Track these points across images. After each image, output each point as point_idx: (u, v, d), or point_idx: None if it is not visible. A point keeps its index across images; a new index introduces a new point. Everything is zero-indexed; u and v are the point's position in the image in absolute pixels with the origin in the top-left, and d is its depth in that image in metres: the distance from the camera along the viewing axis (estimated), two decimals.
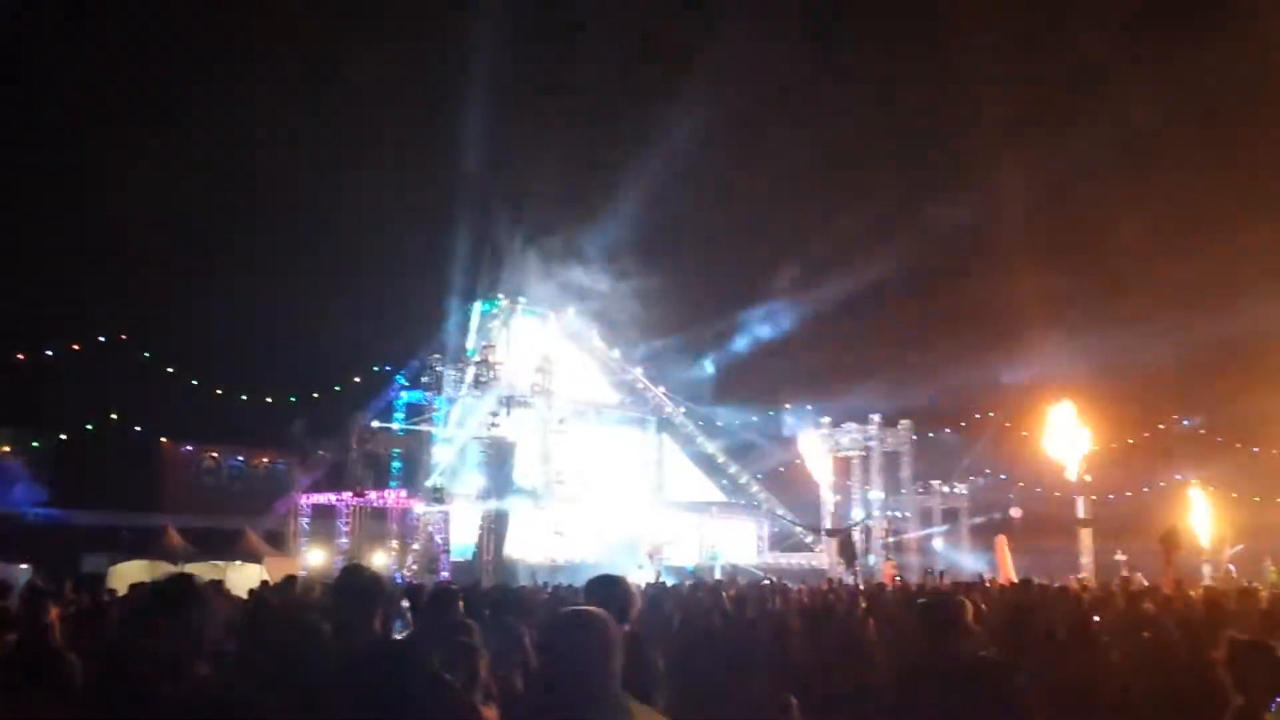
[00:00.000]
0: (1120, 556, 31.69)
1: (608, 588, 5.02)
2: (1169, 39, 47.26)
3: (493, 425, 32.80)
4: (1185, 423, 46.06)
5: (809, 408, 43.51)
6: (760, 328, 43.72)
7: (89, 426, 36.76)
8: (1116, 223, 48.30)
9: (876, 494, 40.35)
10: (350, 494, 34.43)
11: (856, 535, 37.34)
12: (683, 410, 42.59)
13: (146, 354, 39.04)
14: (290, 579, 14.40)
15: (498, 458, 31.92)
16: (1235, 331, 38.98)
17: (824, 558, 38.66)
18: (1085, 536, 37.89)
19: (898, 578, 32.11)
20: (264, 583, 18.61)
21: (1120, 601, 12.43)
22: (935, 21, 53.25)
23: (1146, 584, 19.00)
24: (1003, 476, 43.60)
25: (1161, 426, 45.94)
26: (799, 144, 52.02)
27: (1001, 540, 35.04)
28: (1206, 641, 7.24)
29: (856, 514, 39.72)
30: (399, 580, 24.82)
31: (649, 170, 39.11)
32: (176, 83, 42.40)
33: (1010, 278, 46.11)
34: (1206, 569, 32.38)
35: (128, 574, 23.13)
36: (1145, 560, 29.38)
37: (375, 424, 36.90)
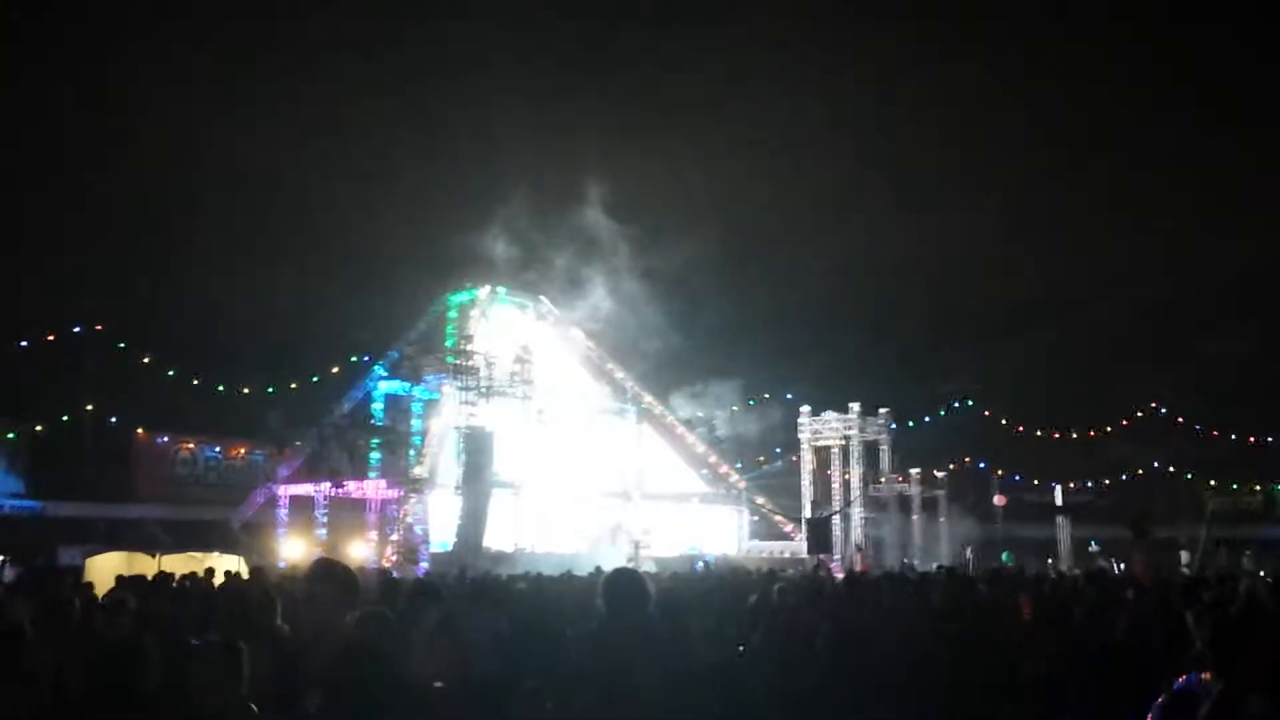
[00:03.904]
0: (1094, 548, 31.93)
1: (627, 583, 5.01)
2: None
3: (471, 415, 32.63)
4: None
5: (789, 396, 43.54)
6: (739, 315, 43.66)
7: (65, 418, 36.47)
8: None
9: (855, 483, 40.33)
10: (328, 484, 34.25)
11: (836, 524, 37.37)
12: (662, 400, 42.47)
13: (122, 345, 38.73)
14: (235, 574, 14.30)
15: (476, 448, 31.72)
16: None
17: (804, 546, 38.69)
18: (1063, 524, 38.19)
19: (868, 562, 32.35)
20: (234, 573, 18.45)
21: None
22: None
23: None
24: (982, 465, 43.72)
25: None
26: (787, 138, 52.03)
27: None
28: None
29: (836, 503, 39.77)
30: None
31: (630, 155, 39.00)
32: (154, 72, 42.00)
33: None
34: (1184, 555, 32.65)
35: (104, 566, 22.94)
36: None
37: (353, 414, 36.71)
